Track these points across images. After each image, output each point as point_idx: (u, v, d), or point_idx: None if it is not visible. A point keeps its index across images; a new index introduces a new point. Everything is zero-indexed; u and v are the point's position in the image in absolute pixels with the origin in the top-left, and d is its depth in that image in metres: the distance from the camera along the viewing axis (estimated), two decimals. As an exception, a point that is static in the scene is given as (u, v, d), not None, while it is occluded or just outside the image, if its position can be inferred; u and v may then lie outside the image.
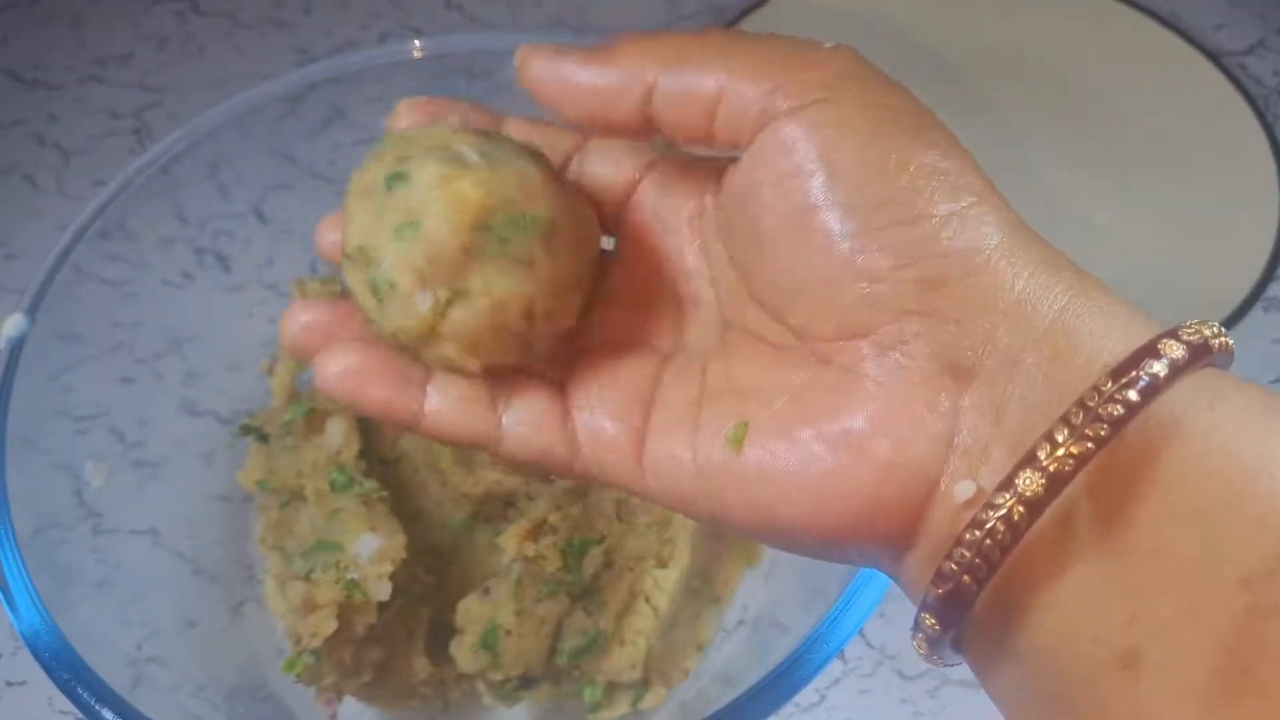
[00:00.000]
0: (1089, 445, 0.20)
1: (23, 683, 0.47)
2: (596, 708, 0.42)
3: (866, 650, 0.48)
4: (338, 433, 0.44)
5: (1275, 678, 0.19)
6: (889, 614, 0.49)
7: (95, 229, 0.44)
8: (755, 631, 0.45)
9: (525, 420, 0.27)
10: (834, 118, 0.24)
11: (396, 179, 0.25)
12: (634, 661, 0.42)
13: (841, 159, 0.24)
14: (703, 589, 0.47)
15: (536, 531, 0.41)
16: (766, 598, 0.46)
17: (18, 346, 0.41)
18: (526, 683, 0.41)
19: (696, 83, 0.25)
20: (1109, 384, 0.21)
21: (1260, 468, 0.20)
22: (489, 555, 0.46)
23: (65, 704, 0.40)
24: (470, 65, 0.52)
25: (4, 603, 0.36)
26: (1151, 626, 0.20)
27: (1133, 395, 0.20)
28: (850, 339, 0.24)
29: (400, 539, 0.40)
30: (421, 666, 0.41)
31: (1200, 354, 0.21)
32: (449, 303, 0.25)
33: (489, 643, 0.40)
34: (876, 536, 0.24)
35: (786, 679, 0.35)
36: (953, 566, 0.22)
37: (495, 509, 0.47)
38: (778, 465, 0.24)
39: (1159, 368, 0.21)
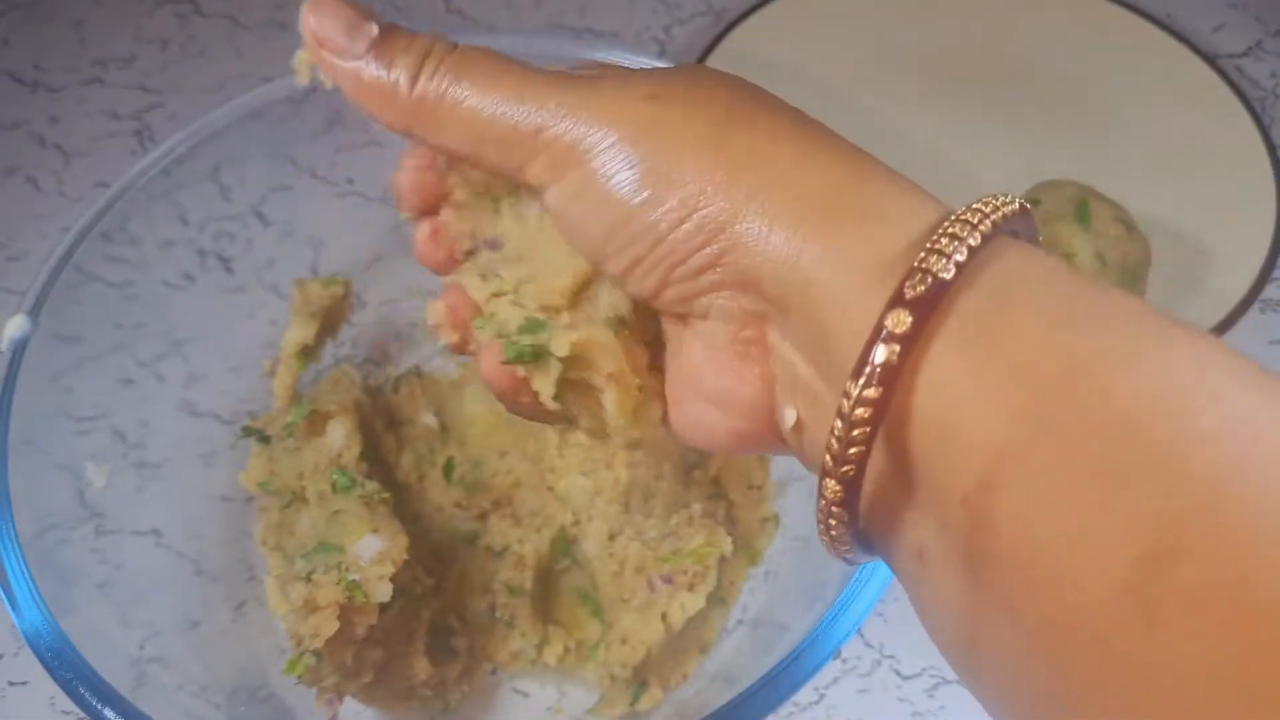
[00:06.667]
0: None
1: (25, 682, 0.47)
2: (595, 708, 0.43)
3: (865, 650, 0.49)
4: (339, 434, 0.44)
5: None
6: (887, 614, 0.49)
7: (97, 231, 0.44)
8: (754, 631, 0.45)
9: None
10: None
11: None
12: (625, 661, 0.42)
13: None
14: (712, 592, 0.47)
15: None
16: (766, 597, 0.46)
17: (20, 348, 0.41)
18: None
19: None
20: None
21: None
22: (488, 557, 0.46)
23: (67, 704, 0.40)
24: (470, 68, 0.52)
25: (7, 603, 0.36)
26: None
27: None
28: (682, 317, 0.27)
29: (402, 540, 0.40)
30: (421, 667, 0.42)
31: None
32: None
33: None
34: (779, 449, 0.28)
35: (785, 678, 0.35)
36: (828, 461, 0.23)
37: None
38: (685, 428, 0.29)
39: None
